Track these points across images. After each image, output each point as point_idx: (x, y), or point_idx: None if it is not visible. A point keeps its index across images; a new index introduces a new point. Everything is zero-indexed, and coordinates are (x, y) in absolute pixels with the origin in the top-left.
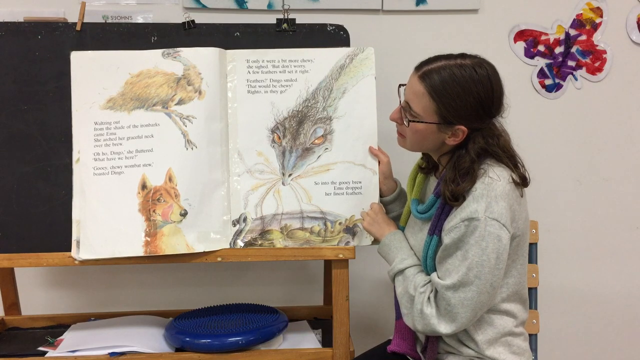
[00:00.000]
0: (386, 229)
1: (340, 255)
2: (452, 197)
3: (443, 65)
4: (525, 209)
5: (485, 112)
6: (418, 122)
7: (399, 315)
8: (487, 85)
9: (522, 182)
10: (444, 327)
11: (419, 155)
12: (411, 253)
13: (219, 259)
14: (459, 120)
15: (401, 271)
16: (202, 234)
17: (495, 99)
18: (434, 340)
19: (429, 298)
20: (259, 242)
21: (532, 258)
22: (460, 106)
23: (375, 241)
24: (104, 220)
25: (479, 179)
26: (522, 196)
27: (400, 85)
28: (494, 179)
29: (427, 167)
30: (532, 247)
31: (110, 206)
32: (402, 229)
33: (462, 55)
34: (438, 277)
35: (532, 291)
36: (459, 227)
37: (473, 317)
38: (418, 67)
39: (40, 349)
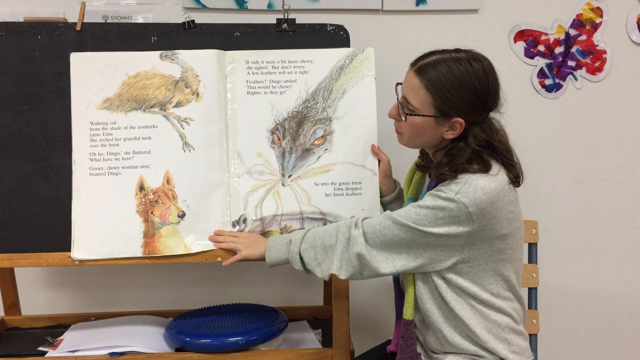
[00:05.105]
0: (261, 240)
1: None
2: (438, 177)
3: (438, 59)
4: (512, 209)
5: (482, 105)
6: (415, 115)
7: (399, 315)
8: (483, 77)
9: (515, 180)
10: (363, 247)
11: (417, 155)
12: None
13: (219, 259)
14: (456, 112)
15: (302, 237)
16: (200, 235)
17: (491, 91)
18: (411, 338)
19: (355, 224)
20: None
21: (532, 258)
22: (456, 98)
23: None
24: (101, 221)
25: (470, 172)
26: (513, 197)
27: (397, 84)
28: (483, 175)
29: (425, 164)
30: (532, 247)
31: (108, 207)
32: None
33: (457, 50)
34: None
35: (532, 291)
36: (430, 195)
37: (381, 258)
38: (414, 63)
39: (40, 349)
